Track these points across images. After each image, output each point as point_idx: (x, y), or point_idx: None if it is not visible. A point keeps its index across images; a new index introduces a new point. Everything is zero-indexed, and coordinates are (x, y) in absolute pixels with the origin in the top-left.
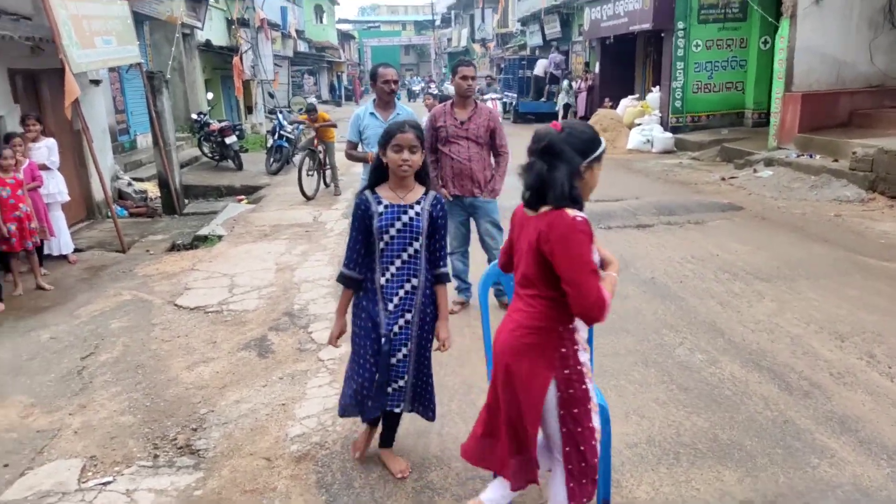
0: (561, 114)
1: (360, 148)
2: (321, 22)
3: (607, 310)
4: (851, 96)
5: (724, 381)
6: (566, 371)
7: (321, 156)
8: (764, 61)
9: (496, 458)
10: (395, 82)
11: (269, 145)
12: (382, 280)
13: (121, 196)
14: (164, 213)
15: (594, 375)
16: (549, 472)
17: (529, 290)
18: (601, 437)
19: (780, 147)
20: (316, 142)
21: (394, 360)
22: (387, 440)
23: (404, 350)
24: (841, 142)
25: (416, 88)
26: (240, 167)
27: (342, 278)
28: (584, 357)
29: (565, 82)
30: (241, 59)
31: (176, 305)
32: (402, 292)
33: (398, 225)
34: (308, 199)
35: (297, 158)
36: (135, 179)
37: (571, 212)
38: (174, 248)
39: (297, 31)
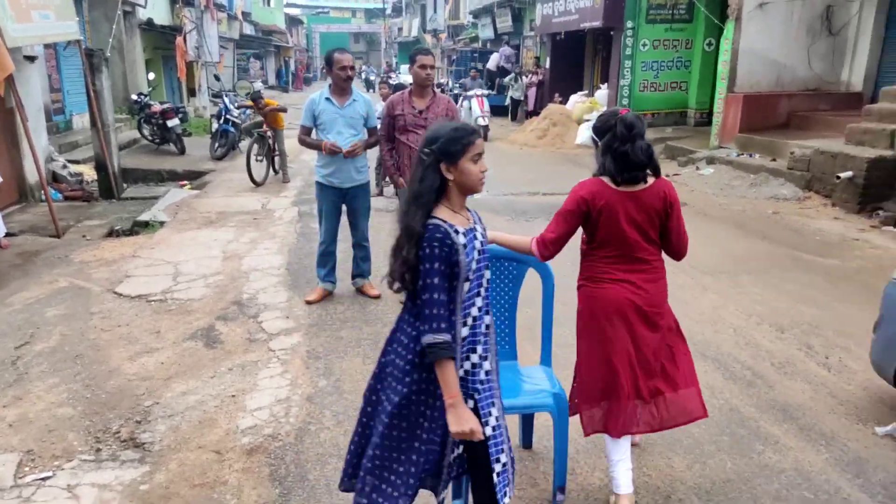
0: (510, 108)
1: (314, 134)
2: (269, 5)
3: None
4: (790, 98)
5: None
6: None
7: (270, 141)
8: (707, 62)
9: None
10: (352, 68)
11: (213, 129)
12: (465, 330)
13: (55, 179)
14: (102, 197)
15: (558, 367)
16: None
17: (652, 254)
18: (557, 426)
19: (721, 146)
20: (265, 127)
21: (488, 430)
22: None
23: (494, 412)
24: (780, 142)
25: (373, 78)
26: (182, 151)
27: (442, 350)
28: None
29: (510, 76)
30: (184, 39)
31: (116, 294)
32: (481, 337)
33: (478, 256)
34: (257, 185)
35: (244, 144)
36: (70, 161)
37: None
38: (112, 233)
39: (243, 13)
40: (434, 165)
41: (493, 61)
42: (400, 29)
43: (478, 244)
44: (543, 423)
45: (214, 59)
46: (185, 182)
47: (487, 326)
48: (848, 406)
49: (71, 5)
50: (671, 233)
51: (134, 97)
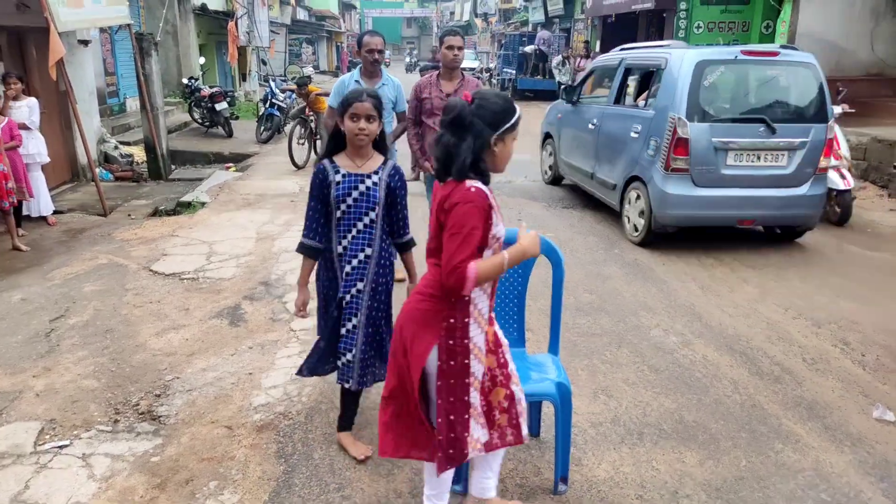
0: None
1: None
2: None
3: (466, 283)
4: (850, 84)
5: (695, 364)
6: (450, 342)
7: (312, 125)
8: None
9: (416, 443)
10: (381, 52)
11: (260, 113)
12: (339, 248)
13: (107, 159)
14: (150, 178)
15: (568, 354)
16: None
17: (432, 259)
18: (559, 415)
19: None
20: (308, 111)
21: (343, 330)
22: (346, 423)
23: (354, 321)
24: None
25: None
26: (230, 134)
27: (301, 248)
28: (474, 331)
29: (556, 60)
30: (236, 24)
31: (151, 271)
32: (355, 261)
33: (355, 194)
34: (298, 168)
35: (288, 127)
36: (122, 143)
37: (469, 182)
38: (156, 213)
39: None
40: (339, 121)
41: (530, 46)
42: (452, 13)
43: (362, 187)
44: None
45: (265, 44)
46: (231, 164)
47: (367, 257)
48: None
49: None
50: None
51: (185, 81)
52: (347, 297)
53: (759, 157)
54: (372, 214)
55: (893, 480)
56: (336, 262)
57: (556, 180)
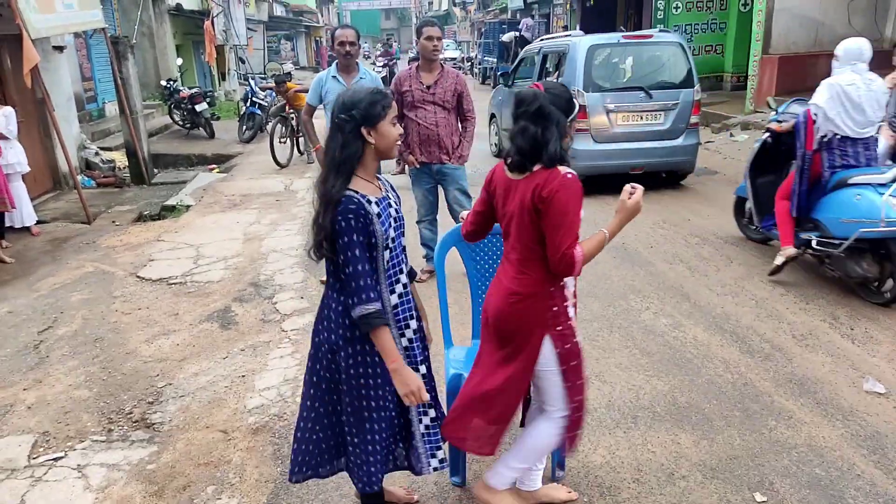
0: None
1: (319, 117)
2: None
3: (576, 265)
4: (829, 58)
5: (686, 345)
6: (559, 328)
7: (293, 122)
8: (744, 23)
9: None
10: (352, 44)
11: (241, 112)
12: (394, 299)
13: (88, 166)
14: (133, 182)
15: None
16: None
17: (521, 254)
18: None
19: (756, 110)
20: (288, 108)
21: (427, 421)
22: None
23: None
24: None
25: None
26: (211, 135)
27: (375, 319)
28: (572, 312)
29: None
30: (212, 23)
31: (138, 277)
32: (414, 319)
33: (395, 224)
34: (281, 167)
35: (269, 126)
36: (103, 149)
37: (563, 169)
38: (141, 218)
39: None
40: (355, 131)
41: (506, 36)
42: (430, 3)
43: (392, 212)
44: None
45: (243, 43)
46: (214, 165)
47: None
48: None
49: None
50: (546, 237)
51: (163, 83)
52: (423, 369)
53: (641, 117)
54: (404, 240)
55: (885, 452)
56: (392, 321)
57: (500, 154)
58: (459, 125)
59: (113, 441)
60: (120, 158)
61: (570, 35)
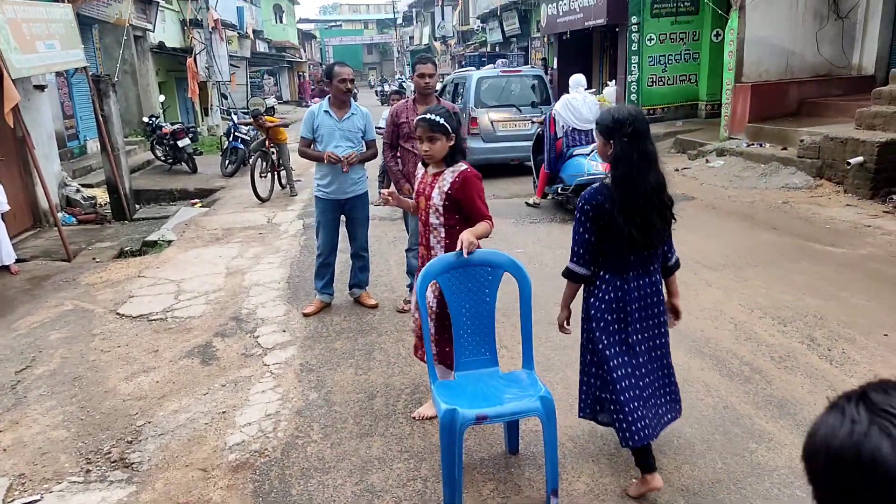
0: None
1: (313, 147)
2: (281, 21)
3: None
4: (800, 86)
5: None
6: None
7: (274, 157)
8: (716, 53)
9: None
10: (352, 81)
11: (224, 147)
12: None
13: (69, 203)
14: (115, 218)
15: (542, 369)
16: None
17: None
18: (546, 429)
19: (731, 137)
20: (268, 143)
21: None
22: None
23: None
24: (790, 130)
25: (388, 89)
26: (194, 170)
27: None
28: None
29: None
30: (195, 60)
31: (118, 314)
32: None
33: None
34: (262, 201)
35: (251, 160)
36: (85, 185)
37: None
38: (122, 254)
39: (254, 31)
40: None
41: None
42: (411, 38)
43: None
44: (527, 429)
45: (225, 79)
46: (196, 200)
47: None
48: None
49: (76, 34)
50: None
51: (146, 119)
52: None
53: (515, 125)
54: None
55: None
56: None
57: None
58: None
59: (91, 482)
60: (101, 195)
61: (467, 70)
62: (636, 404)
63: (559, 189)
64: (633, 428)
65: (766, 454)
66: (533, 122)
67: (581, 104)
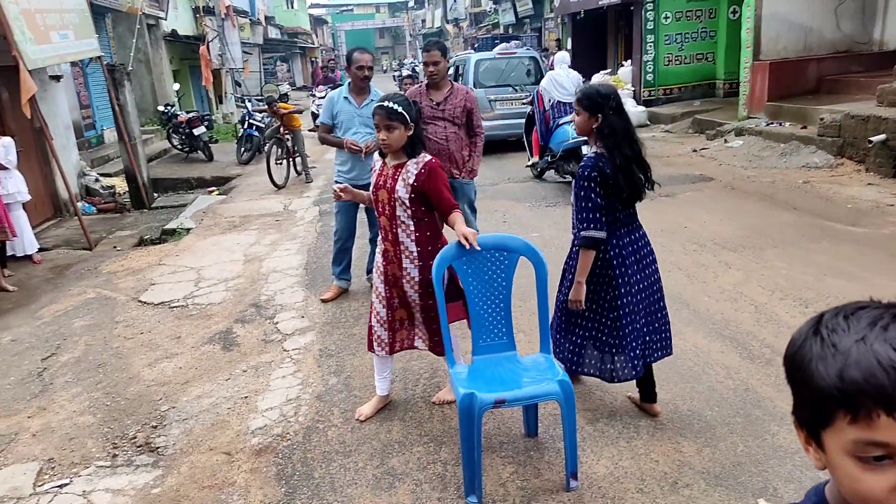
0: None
1: (334, 133)
2: (292, 7)
3: None
4: (819, 63)
5: (686, 353)
6: None
7: (289, 144)
8: (733, 31)
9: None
10: (370, 68)
11: (239, 135)
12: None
13: (89, 192)
14: (133, 207)
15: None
16: None
17: None
18: (565, 412)
19: (750, 116)
20: (283, 130)
21: None
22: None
23: None
24: (809, 108)
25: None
26: (210, 158)
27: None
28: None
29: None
30: (207, 48)
31: (140, 302)
32: None
33: None
34: (278, 188)
35: (266, 148)
36: (103, 175)
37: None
38: (141, 243)
39: (266, 17)
40: None
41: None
42: (423, 21)
43: None
44: (545, 412)
45: (239, 66)
46: (213, 188)
47: None
48: None
49: (90, 23)
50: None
51: (161, 108)
52: None
53: (511, 104)
54: None
55: None
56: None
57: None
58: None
59: (118, 466)
60: (120, 184)
61: (467, 53)
62: (636, 343)
63: (549, 158)
64: (633, 363)
65: (787, 436)
66: (524, 103)
67: (565, 79)
